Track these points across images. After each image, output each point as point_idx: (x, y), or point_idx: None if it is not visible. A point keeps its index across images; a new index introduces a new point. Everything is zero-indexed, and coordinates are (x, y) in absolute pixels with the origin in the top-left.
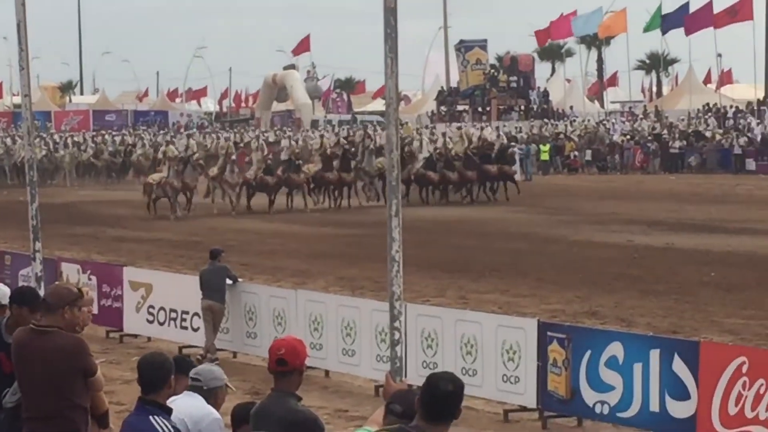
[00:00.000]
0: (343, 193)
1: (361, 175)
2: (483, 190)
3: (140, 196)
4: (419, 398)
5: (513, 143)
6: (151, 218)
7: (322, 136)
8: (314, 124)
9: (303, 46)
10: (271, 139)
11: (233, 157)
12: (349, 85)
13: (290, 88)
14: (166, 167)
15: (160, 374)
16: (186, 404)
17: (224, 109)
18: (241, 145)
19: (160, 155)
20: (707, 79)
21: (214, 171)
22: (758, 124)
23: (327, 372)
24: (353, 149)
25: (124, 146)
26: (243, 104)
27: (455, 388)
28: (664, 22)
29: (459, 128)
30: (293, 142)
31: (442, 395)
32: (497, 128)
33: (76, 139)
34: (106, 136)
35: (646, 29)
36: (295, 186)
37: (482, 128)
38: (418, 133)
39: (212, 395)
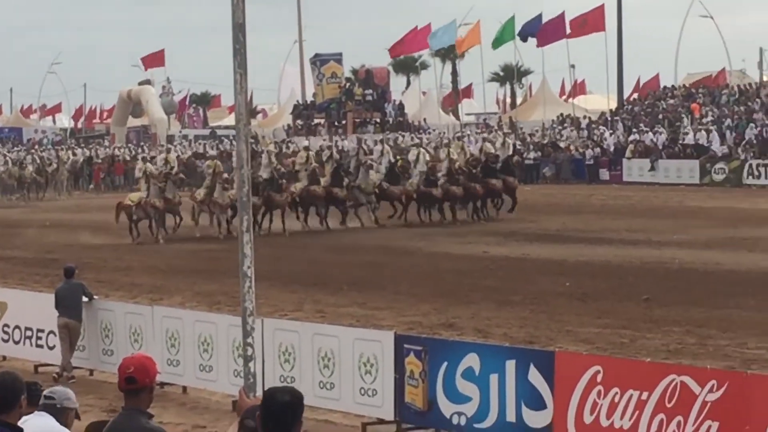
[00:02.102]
0: (330, 211)
1: (356, 193)
2: (484, 205)
3: None
4: (259, 413)
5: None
6: (134, 245)
7: (307, 149)
8: (170, 139)
9: (156, 60)
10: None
11: (224, 175)
12: (205, 100)
13: (145, 103)
14: (145, 186)
15: (11, 394)
16: (37, 424)
17: (79, 125)
18: (98, 160)
19: (138, 173)
20: (561, 91)
21: (201, 194)
22: (611, 134)
23: (184, 388)
24: (347, 165)
25: None
26: (98, 120)
27: (292, 398)
28: (521, 31)
29: (459, 138)
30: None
31: (279, 406)
32: (503, 135)
33: None
34: None
35: (496, 45)
36: (276, 207)
37: (485, 139)
38: (416, 147)
39: (63, 414)
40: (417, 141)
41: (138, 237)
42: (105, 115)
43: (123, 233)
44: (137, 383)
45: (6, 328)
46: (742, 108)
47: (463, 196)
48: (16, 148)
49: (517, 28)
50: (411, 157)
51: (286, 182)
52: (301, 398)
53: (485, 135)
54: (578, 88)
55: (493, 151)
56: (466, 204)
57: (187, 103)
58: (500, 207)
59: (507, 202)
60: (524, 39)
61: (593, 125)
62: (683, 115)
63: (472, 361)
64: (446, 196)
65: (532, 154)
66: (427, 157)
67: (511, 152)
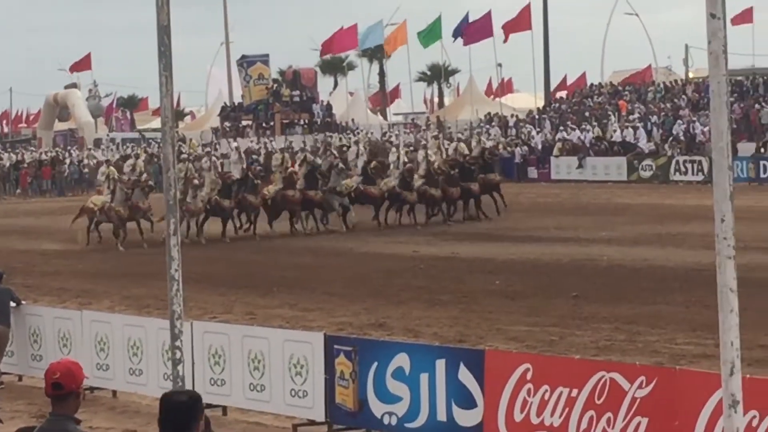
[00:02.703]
0: (312, 215)
1: (329, 197)
2: (465, 208)
3: None
4: (159, 417)
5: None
6: (86, 249)
7: (283, 151)
8: (97, 142)
9: (83, 64)
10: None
11: (195, 181)
12: (132, 103)
13: (72, 106)
14: (108, 191)
15: None
16: None
17: (5, 130)
18: (24, 165)
19: (101, 177)
20: (488, 90)
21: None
22: (538, 132)
23: (114, 392)
24: (321, 166)
25: None
26: (24, 124)
27: (188, 399)
28: (454, 32)
29: (435, 138)
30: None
31: (175, 406)
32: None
33: None
34: None
35: (425, 42)
36: (251, 209)
37: (459, 139)
38: (395, 146)
39: None
40: (345, 141)
41: (99, 240)
42: (31, 119)
43: (50, 237)
44: (64, 389)
45: None
46: (668, 105)
47: (441, 199)
48: None
49: (444, 27)
50: (391, 158)
51: (260, 183)
52: (197, 399)
53: (459, 135)
54: (505, 87)
55: (467, 152)
56: (440, 205)
57: (114, 106)
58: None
59: (488, 203)
60: (455, 38)
61: (521, 124)
62: (610, 113)
63: (402, 360)
64: (422, 198)
65: None
66: (404, 159)
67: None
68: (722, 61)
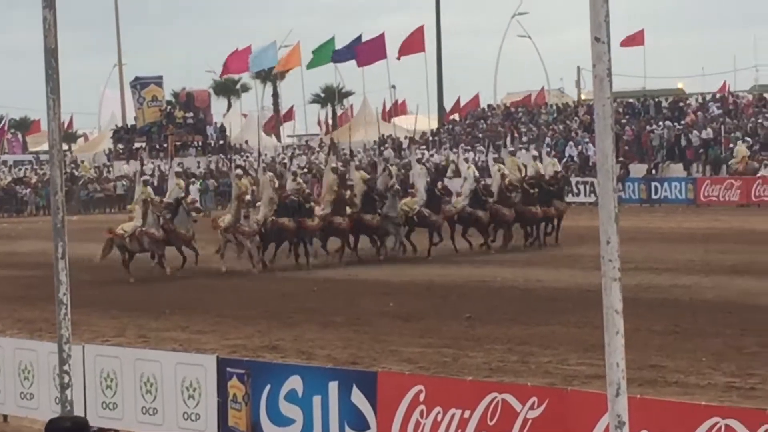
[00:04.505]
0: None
1: (385, 222)
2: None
3: None
4: None
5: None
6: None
7: (335, 170)
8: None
9: None
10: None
11: (247, 197)
12: (24, 125)
13: None
14: (140, 213)
15: None
16: None
17: None
18: None
19: (138, 196)
20: (383, 111)
21: (225, 220)
22: (432, 155)
23: (5, 417)
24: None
25: None
26: None
27: (73, 425)
28: (336, 55)
29: (512, 154)
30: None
31: None
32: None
33: None
34: None
35: (312, 65)
36: (308, 234)
37: (535, 157)
38: (461, 160)
39: None
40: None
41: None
42: None
43: None
44: None
45: None
46: (561, 126)
47: (515, 220)
48: None
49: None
50: (464, 174)
51: (314, 205)
52: (82, 424)
53: (534, 153)
54: (399, 108)
55: (542, 171)
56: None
57: (5, 128)
58: (551, 233)
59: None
60: (336, 61)
61: (414, 145)
62: (506, 134)
63: (294, 383)
64: (494, 218)
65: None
66: (477, 174)
67: (560, 172)
68: (607, 84)
